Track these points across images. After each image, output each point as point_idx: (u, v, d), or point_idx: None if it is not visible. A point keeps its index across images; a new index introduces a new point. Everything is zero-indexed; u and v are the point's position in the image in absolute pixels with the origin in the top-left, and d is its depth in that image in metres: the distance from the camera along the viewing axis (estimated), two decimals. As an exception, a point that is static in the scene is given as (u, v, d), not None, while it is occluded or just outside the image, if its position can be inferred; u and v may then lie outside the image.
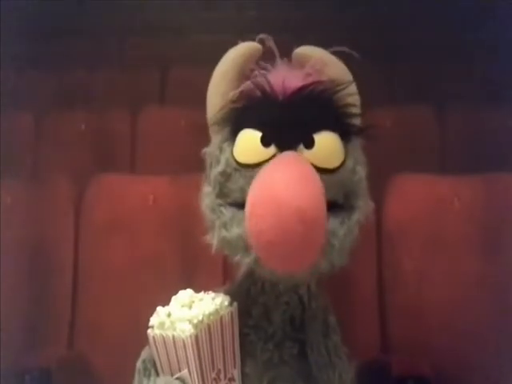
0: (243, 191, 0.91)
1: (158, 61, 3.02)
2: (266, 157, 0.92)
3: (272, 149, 0.92)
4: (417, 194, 1.63)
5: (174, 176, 1.73)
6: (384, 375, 1.30)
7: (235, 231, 0.91)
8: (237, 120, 0.97)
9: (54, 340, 1.61)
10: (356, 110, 0.99)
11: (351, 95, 0.99)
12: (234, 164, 0.95)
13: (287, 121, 0.93)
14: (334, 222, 0.90)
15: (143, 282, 1.60)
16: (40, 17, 3.35)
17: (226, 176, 0.95)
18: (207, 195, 0.98)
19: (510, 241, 1.54)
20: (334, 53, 1.03)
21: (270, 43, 1.00)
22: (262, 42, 1.02)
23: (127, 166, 2.34)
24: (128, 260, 1.63)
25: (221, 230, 0.93)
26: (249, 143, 0.94)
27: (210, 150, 1.00)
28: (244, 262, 0.92)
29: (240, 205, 0.92)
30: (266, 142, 0.92)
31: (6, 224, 1.68)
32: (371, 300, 1.57)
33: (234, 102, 0.98)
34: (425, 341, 1.50)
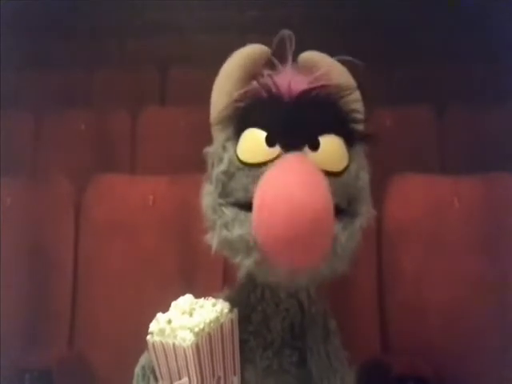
0: (247, 190, 0.91)
1: (158, 61, 3.02)
2: (271, 157, 0.91)
3: (277, 149, 0.91)
4: (417, 194, 1.63)
5: (173, 176, 1.72)
6: (384, 375, 1.30)
7: (237, 232, 0.90)
8: (241, 119, 0.97)
9: (54, 340, 1.61)
10: (360, 116, 0.99)
11: (355, 101, 1.00)
12: (238, 163, 0.94)
13: (293, 121, 0.92)
14: (336, 228, 0.90)
15: (143, 282, 1.60)
16: (40, 17, 3.35)
17: (229, 175, 0.95)
18: (209, 194, 0.97)
19: (509, 241, 1.54)
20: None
21: (288, 42, 0.99)
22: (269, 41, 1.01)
23: (127, 166, 2.34)
24: (128, 260, 1.63)
25: (222, 230, 0.92)
26: (253, 142, 0.94)
27: (212, 150, 1.00)
28: (245, 264, 0.91)
29: (242, 204, 0.91)
30: (270, 141, 0.92)
31: (5, 224, 1.68)
32: (371, 300, 1.57)
33: (238, 101, 0.97)
34: (425, 341, 1.50)
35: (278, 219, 0.83)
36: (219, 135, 1.00)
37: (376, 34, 3.15)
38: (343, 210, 0.93)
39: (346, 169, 0.94)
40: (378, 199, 1.57)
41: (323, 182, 0.87)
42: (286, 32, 0.99)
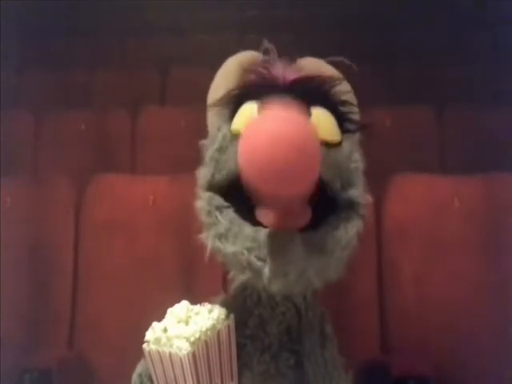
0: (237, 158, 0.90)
1: (158, 61, 3.02)
2: None
3: None
4: (417, 194, 1.63)
5: (173, 176, 1.73)
6: (384, 375, 1.30)
7: (230, 249, 0.89)
8: (236, 102, 0.98)
9: (54, 340, 1.61)
10: (353, 105, 1.00)
11: (346, 92, 1.01)
12: (230, 136, 0.94)
13: (286, 97, 0.92)
14: (331, 242, 0.89)
15: (143, 281, 1.60)
16: (40, 17, 3.35)
17: (222, 151, 0.95)
18: (202, 188, 0.96)
19: (509, 241, 1.54)
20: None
21: (271, 48, 1.00)
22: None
23: (127, 166, 2.34)
24: (128, 260, 1.63)
25: (215, 240, 0.92)
26: (246, 113, 0.94)
27: (206, 142, 1.00)
28: (239, 279, 0.92)
29: (234, 181, 0.90)
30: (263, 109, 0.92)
31: (5, 224, 1.68)
32: (371, 300, 1.57)
33: (235, 90, 0.99)
34: (425, 341, 1.50)
35: (258, 149, 0.79)
36: (214, 120, 1.01)
37: (376, 34, 3.15)
38: (336, 203, 0.93)
39: (338, 144, 0.94)
40: (378, 199, 1.57)
41: (304, 116, 0.86)
42: (268, 45, 1.00)
